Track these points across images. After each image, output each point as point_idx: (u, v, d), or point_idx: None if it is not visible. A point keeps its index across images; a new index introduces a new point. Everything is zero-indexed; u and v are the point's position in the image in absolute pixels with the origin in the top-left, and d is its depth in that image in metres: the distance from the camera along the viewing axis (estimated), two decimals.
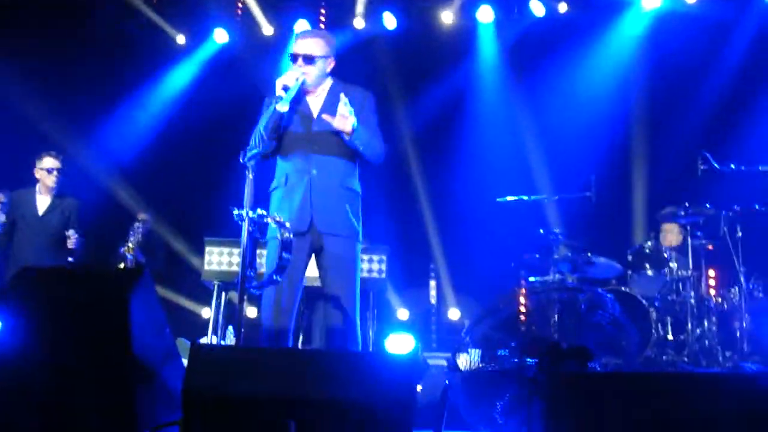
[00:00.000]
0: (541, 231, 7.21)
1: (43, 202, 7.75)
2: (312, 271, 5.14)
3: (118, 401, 3.26)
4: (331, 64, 5.15)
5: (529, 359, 5.65)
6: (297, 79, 4.91)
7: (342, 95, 4.84)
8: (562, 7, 9.60)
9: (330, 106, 4.99)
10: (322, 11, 10.04)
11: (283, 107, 4.84)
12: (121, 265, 7.75)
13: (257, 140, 4.88)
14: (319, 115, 5.04)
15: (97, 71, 9.59)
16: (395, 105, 9.84)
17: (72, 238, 7.51)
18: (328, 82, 5.18)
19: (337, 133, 4.91)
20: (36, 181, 7.79)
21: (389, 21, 10.00)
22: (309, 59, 5.01)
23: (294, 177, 5.00)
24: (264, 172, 5.09)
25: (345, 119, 4.79)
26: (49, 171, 7.73)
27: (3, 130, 9.14)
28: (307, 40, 5.09)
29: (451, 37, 9.99)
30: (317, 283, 5.19)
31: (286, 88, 4.84)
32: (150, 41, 10.46)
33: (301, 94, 5.04)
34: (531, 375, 5.12)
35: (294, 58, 5.03)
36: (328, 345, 5.04)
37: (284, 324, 4.90)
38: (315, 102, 5.12)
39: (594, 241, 7.57)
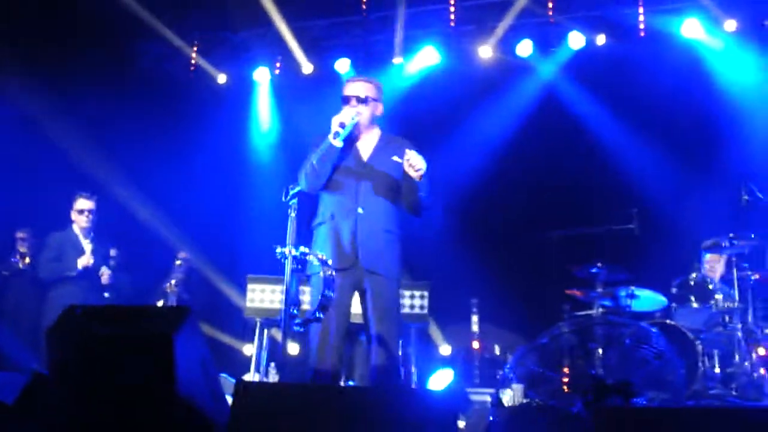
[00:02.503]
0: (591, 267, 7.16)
1: (86, 245, 7.87)
2: (354, 307, 5.18)
3: None
4: (380, 109, 5.37)
5: (573, 395, 5.61)
6: (353, 117, 5.10)
7: (409, 151, 5.00)
8: (600, 39, 9.59)
9: (381, 151, 5.26)
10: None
11: (338, 143, 4.98)
12: (161, 303, 7.84)
13: (307, 174, 4.99)
14: (369, 159, 5.24)
15: (139, 111, 9.72)
16: (434, 140, 9.87)
17: (105, 274, 7.63)
18: (377, 130, 5.40)
19: (388, 177, 5.15)
20: (71, 221, 7.92)
21: (430, 56, 10.05)
22: (362, 100, 5.24)
23: (340, 214, 5.12)
24: (304, 208, 5.16)
25: (418, 166, 4.94)
26: (81, 212, 7.87)
27: (45, 170, 9.30)
28: (360, 83, 5.34)
29: (491, 71, 10.01)
30: (359, 320, 5.23)
31: (342, 125, 5.02)
32: (193, 81, 10.61)
33: (354, 134, 5.21)
34: (575, 411, 5.09)
35: (347, 99, 5.26)
36: (371, 382, 5.05)
37: (331, 361, 4.93)
38: (365, 145, 5.32)
39: (637, 274, 7.51)
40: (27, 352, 7.86)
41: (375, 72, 10.13)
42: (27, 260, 8.51)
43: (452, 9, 9.83)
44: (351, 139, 5.16)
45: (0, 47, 8.91)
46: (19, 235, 8.78)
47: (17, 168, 9.20)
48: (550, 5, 9.54)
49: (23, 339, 8.04)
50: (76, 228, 7.94)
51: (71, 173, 9.16)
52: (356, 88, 5.29)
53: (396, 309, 5.23)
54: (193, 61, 10.48)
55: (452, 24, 9.88)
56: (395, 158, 5.13)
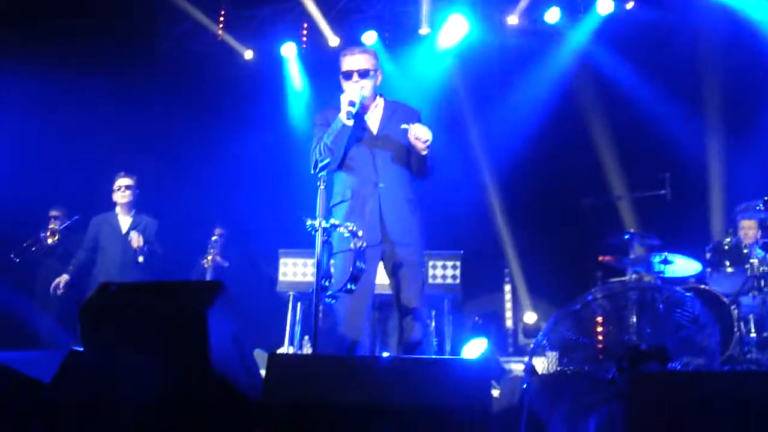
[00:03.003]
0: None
1: (124, 221, 8.00)
2: (381, 278, 5.21)
3: (198, 415, 3.31)
4: (380, 78, 5.30)
5: (608, 361, 5.58)
6: (360, 95, 5.04)
7: (415, 124, 4.94)
8: (629, 4, 9.48)
9: (388, 122, 5.19)
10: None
11: (351, 122, 4.94)
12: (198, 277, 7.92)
13: (322, 155, 4.99)
14: (379, 132, 5.20)
15: (168, 89, 9.78)
16: (465, 111, 9.83)
17: (136, 238, 7.71)
18: (379, 100, 5.33)
19: (399, 148, 5.10)
20: (115, 204, 8.03)
21: (458, 26, 9.97)
22: (363, 73, 5.16)
23: (361, 190, 5.10)
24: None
25: (423, 138, 4.88)
26: (119, 189, 7.96)
27: (78, 155, 9.41)
28: (357, 55, 5.23)
29: (520, 39, 9.94)
30: (388, 291, 5.24)
31: (352, 104, 4.96)
32: (218, 58, 10.64)
33: (361, 110, 5.15)
34: (610, 377, 5.07)
35: (348, 75, 5.17)
36: (406, 352, 5.06)
37: (359, 332, 4.95)
38: (373, 118, 5.27)
39: (671, 239, 7.46)
40: (60, 329, 7.99)
41: (402, 43, 10.11)
42: (56, 237, 8.63)
43: None
44: (358, 114, 5.09)
45: (27, 33, 9.00)
46: (53, 213, 8.90)
47: (52, 152, 9.31)
48: None
49: (54, 316, 8.16)
50: (118, 208, 8.03)
51: (107, 156, 9.25)
52: (355, 61, 5.18)
53: (423, 277, 5.24)
54: (219, 37, 10.49)
55: None
56: (404, 126, 5.04)
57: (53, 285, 7.83)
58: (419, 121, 5.17)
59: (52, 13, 9.32)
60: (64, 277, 7.86)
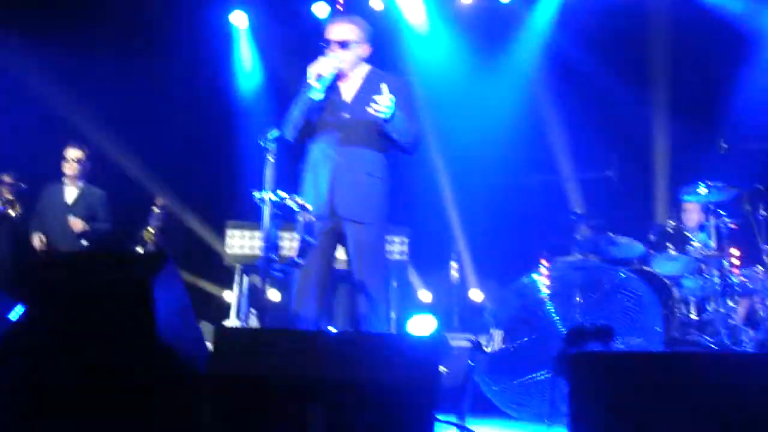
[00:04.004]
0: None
1: (70, 192, 7.89)
2: (341, 254, 5.17)
3: (142, 386, 3.28)
4: (366, 50, 5.13)
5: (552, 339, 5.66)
6: (333, 67, 4.90)
7: (384, 86, 4.79)
8: None
9: (365, 93, 4.97)
10: None
11: (317, 95, 4.85)
12: (141, 250, 7.82)
13: (287, 125, 4.91)
14: (352, 102, 5.04)
15: (115, 56, 9.58)
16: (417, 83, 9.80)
17: (77, 223, 7.60)
18: (364, 68, 5.15)
19: (370, 121, 4.89)
20: (63, 174, 7.89)
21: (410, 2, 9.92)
22: (344, 44, 5.00)
23: (319, 162, 5.00)
24: (296, 155, 5.12)
25: (380, 107, 4.73)
26: (67, 161, 7.83)
27: (31, 123, 9.21)
28: (342, 25, 5.09)
29: (472, 13, 9.92)
30: (344, 266, 5.22)
31: (319, 77, 4.84)
32: (172, 24, 10.45)
33: (335, 80, 5.00)
34: (555, 355, 5.12)
35: (327, 43, 5.01)
36: (353, 326, 5.06)
37: (312, 306, 4.91)
38: (348, 88, 5.10)
39: (616, 220, 7.54)
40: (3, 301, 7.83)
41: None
42: (17, 208, 8.42)
43: None
44: (332, 86, 4.96)
45: None
46: (5, 178, 8.68)
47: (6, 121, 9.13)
48: None
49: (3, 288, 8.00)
50: (66, 179, 7.90)
51: (52, 122, 9.07)
52: (338, 31, 5.03)
53: (380, 255, 5.11)
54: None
55: None
56: (376, 96, 4.84)
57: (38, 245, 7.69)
58: (405, 88, 5.06)
59: None
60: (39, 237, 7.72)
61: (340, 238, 5.04)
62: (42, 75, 9.18)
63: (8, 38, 8.79)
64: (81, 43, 9.28)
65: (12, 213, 8.32)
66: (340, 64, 4.97)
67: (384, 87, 4.78)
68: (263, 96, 9.95)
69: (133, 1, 9.89)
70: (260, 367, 3.37)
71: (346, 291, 5.21)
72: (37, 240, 7.71)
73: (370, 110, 4.78)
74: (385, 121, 4.80)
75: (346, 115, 5.00)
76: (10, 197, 8.36)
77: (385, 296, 5.05)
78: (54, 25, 9.25)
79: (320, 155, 5.01)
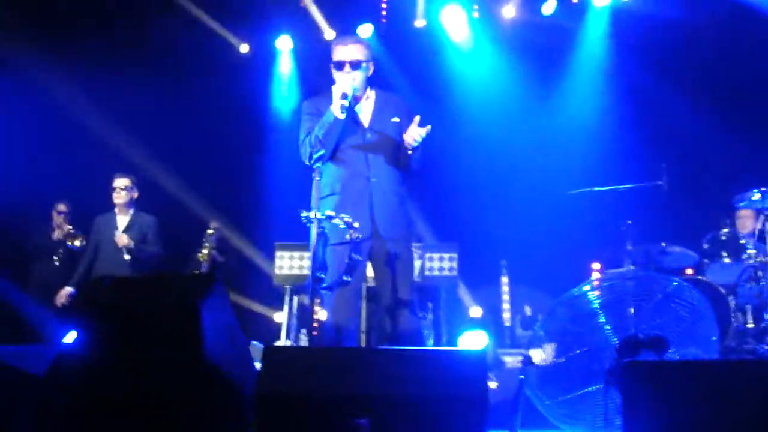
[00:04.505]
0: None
1: (122, 221, 8.04)
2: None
3: (192, 406, 3.30)
4: (372, 69, 5.22)
5: (605, 351, 5.58)
6: (353, 87, 4.97)
7: (417, 117, 4.91)
8: None
9: (379, 114, 5.14)
10: (383, 12, 10.03)
11: (343, 115, 4.88)
12: (196, 272, 7.92)
13: (313, 147, 4.93)
14: (371, 124, 5.14)
15: (162, 85, 9.74)
16: (462, 100, 9.78)
17: (121, 238, 7.70)
18: (371, 91, 5.26)
19: (389, 142, 5.05)
20: (113, 204, 8.05)
21: (454, 17, 9.92)
22: (355, 64, 5.07)
23: (352, 184, 5.04)
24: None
25: (419, 137, 4.86)
26: (115, 190, 7.96)
27: (78, 152, 9.42)
28: (350, 46, 5.15)
29: (514, 30, 9.91)
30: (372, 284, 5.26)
31: (345, 96, 4.89)
32: (214, 51, 10.60)
33: (353, 101, 5.07)
34: (608, 367, 5.06)
35: (340, 65, 5.08)
36: (395, 344, 5.04)
37: (352, 324, 4.97)
38: (364, 110, 5.19)
39: (668, 230, 7.44)
40: (56, 324, 7.97)
41: (398, 35, 10.05)
42: (80, 238, 8.59)
43: None
44: (350, 106, 5.02)
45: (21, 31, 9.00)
46: (60, 208, 8.88)
47: (49, 147, 9.33)
48: None
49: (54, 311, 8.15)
50: (117, 208, 8.05)
51: (106, 155, 9.25)
52: (348, 51, 5.09)
53: (412, 271, 5.26)
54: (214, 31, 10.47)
55: None
56: (394, 119, 5.06)
57: (57, 298, 7.81)
58: (409, 113, 5.12)
59: (46, 7, 9.30)
60: (67, 290, 7.86)
61: (375, 258, 5.08)
62: (90, 104, 9.36)
63: (58, 71, 8.98)
64: (128, 72, 9.47)
65: (77, 244, 8.51)
66: (355, 83, 5.05)
67: (417, 118, 4.90)
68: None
69: (177, 29, 10.05)
70: (308, 385, 3.39)
71: (381, 308, 5.20)
72: (63, 295, 7.82)
73: (408, 139, 4.90)
74: (414, 148, 4.93)
75: (369, 136, 5.10)
76: (70, 227, 8.57)
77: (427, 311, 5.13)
78: (104, 55, 9.46)
79: (350, 178, 5.05)
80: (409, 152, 4.96)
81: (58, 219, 8.86)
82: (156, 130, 9.61)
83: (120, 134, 9.46)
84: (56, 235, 8.81)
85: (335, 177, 5.09)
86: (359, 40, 5.29)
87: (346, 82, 4.96)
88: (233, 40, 10.62)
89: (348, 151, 5.07)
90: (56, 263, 8.72)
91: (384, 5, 10.10)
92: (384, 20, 9.96)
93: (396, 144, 5.05)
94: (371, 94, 5.24)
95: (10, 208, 8.85)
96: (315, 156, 4.85)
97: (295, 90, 10.57)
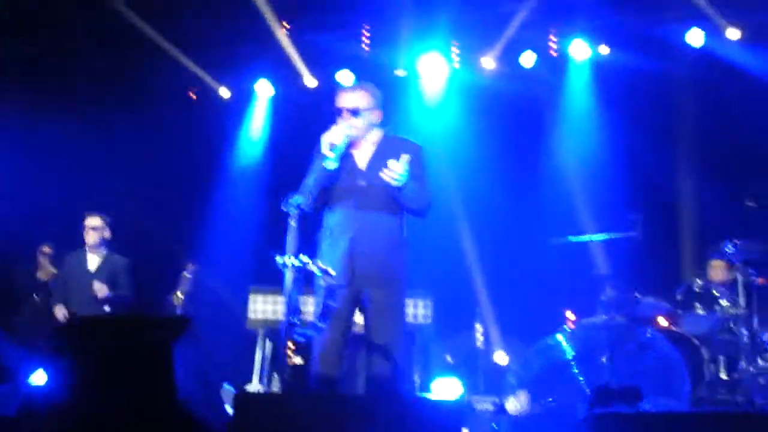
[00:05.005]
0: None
1: (93, 260, 7.95)
2: (358, 318, 5.15)
3: None
4: (378, 116, 5.16)
5: (578, 401, 5.58)
6: (345, 135, 4.92)
7: (405, 156, 4.78)
8: (603, 50, 9.58)
9: (379, 159, 4.96)
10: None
11: (331, 164, 4.87)
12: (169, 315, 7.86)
13: (304, 195, 4.92)
14: (367, 169, 5.05)
15: (141, 124, 9.78)
16: (440, 148, 9.85)
17: (101, 290, 7.64)
18: (377, 134, 5.18)
19: (385, 186, 4.86)
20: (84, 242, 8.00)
21: (435, 65, 10.03)
22: (354, 112, 5.03)
23: (337, 230, 5.01)
24: (311, 219, 5.13)
25: (394, 174, 4.73)
26: (87, 229, 7.92)
27: (58, 191, 9.41)
28: (352, 93, 5.12)
29: (494, 81, 10.00)
30: (361, 329, 5.19)
31: (332, 147, 4.86)
32: (196, 96, 10.67)
33: (348, 147, 5.03)
34: (580, 418, 5.06)
35: (338, 111, 5.05)
36: (371, 392, 5.00)
37: (332, 371, 4.89)
38: (362, 155, 5.13)
39: (642, 280, 7.48)
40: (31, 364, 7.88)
41: (378, 84, 10.11)
42: (48, 273, 8.59)
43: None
44: (346, 153, 4.99)
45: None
46: (44, 249, 8.87)
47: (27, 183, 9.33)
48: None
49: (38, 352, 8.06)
50: (87, 246, 7.98)
51: (80, 189, 9.25)
52: (349, 98, 5.07)
53: (399, 318, 5.06)
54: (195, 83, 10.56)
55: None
56: (390, 162, 4.82)
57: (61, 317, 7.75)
58: (418, 154, 5.07)
59: (27, 48, 9.34)
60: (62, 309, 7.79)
61: (358, 303, 5.01)
62: (71, 143, 9.38)
63: (39, 111, 9.02)
64: (101, 112, 9.52)
65: (42, 276, 8.49)
66: (352, 132, 5.00)
67: (404, 156, 4.78)
68: (287, 163, 10.07)
69: (158, 70, 10.11)
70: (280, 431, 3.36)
71: (364, 355, 5.14)
72: (60, 313, 7.75)
73: (383, 176, 4.78)
74: (398, 189, 4.81)
75: (362, 182, 5.02)
76: (53, 270, 8.55)
77: (406, 359, 5.01)
78: (85, 96, 9.51)
79: (337, 222, 5.02)
80: (394, 185, 4.80)
81: (43, 260, 8.84)
82: (134, 170, 9.62)
83: (100, 173, 9.46)
84: (40, 275, 8.77)
85: (328, 221, 5.08)
86: (363, 87, 5.21)
87: (337, 132, 4.91)
88: (213, 84, 10.67)
89: (340, 196, 5.03)
90: (38, 302, 8.66)
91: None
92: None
93: (393, 188, 4.88)
94: (376, 136, 5.16)
95: None
96: (304, 204, 4.83)
97: (265, 133, 10.65)
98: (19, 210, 9.22)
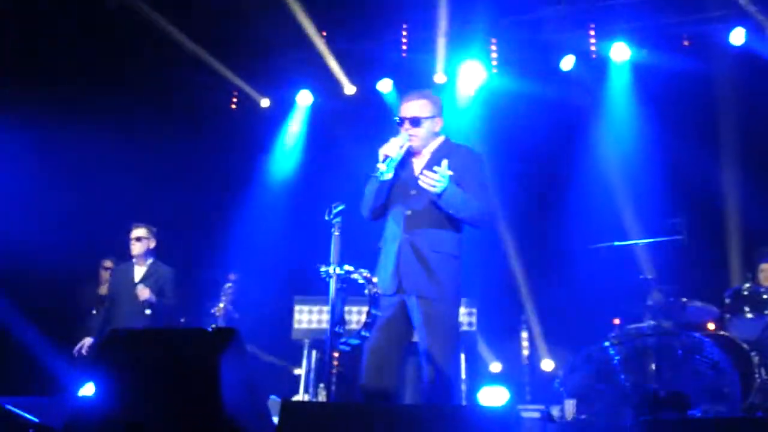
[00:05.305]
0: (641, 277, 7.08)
1: (139, 271, 8.01)
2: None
3: None
4: (439, 124, 5.11)
5: (626, 408, 5.52)
6: (401, 147, 4.90)
7: (445, 161, 4.75)
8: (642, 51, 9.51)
9: (431, 167, 4.86)
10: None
11: (386, 176, 4.87)
12: (213, 326, 7.89)
13: (362, 204, 4.96)
14: (419, 177, 4.95)
15: (185, 139, 9.86)
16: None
17: (143, 292, 7.69)
18: (436, 142, 5.13)
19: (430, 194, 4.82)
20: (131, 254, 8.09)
21: (474, 74, 10.02)
22: (415, 122, 5.00)
23: (390, 239, 5.00)
24: (368, 229, 5.15)
25: (431, 180, 4.68)
26: (132, 241, 7.99)
27: (99, 205, 9.53)
28: (412, 102, 5.08)
29: (533, 85, 9.95)
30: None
31: (386, 159, 4.84)
32: (236, 107, 10.76)
33: (408, 156, 5.03)
34: (629, 425, 5.01)
35: (400, 121, 5.03)
36: (420, 402, 4.98)
37: (379, 380, 4.82)
38: (419, 163, 5.08)
39: (688, 284, 7.39)
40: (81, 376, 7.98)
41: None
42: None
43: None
44: (404, 162, 4.97)
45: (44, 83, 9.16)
46: (106, 264, 9.02)
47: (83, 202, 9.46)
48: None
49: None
50: (134, 258, 8.07)
51: (131, 202, 9.36)
52: (409, 108, 5.03)
53: (450, 330, 4.91)
54: (235, 93, 10.64)
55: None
56: (447, 172, 4.74)
57: (76, 348, 7.84)
58: (473, 164, 5.01)
59: (69, 62, 9.44)
60: (87, 340, 7.87)
61: (408, 313, 4.94)
62: (123, 159, 9.50)
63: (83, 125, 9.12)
64: (154, 128, 9.62)
65: (102, 291, 8.61)
66: (412, 142, 4.98)
67: (444, 162, 4.74)
68: (329, 172, 10.10)
69: (200, 86, 10.22)
70: None
71: (415, 364, 5.10)
72: (84, 345, 7.85)
73: (421, 183, 4.75)
74: (438, 195, 4.75)
75: (413, 191, 4.97)
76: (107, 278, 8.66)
77: (455, 370, 4.94)
78: (125, 111, 9.61)
79: (390, 232, 5.01)
80: (438, 200, 4.76)
81: (105, 275, 8.97)
82: (180, 184, 9.72)
83: (148, 185, 9.57)
84: (102, 290, 8.91)
85: (384, 230, 5.07)
86: (424, 95, 5.15)
87: (393, 144, 4.88)
88: (254, 95, 10.75)
89: (395, 205, 5.02)
90: (97, 317, 8.78)
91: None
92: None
93: (433, 195, 4.79)
94: (434, 145, 5.11)
95: (62, 265, 8.93)
96: (364, 213, 4.89)
97: (306, 142, 10.70)
98: (83, 227, 9.34)
